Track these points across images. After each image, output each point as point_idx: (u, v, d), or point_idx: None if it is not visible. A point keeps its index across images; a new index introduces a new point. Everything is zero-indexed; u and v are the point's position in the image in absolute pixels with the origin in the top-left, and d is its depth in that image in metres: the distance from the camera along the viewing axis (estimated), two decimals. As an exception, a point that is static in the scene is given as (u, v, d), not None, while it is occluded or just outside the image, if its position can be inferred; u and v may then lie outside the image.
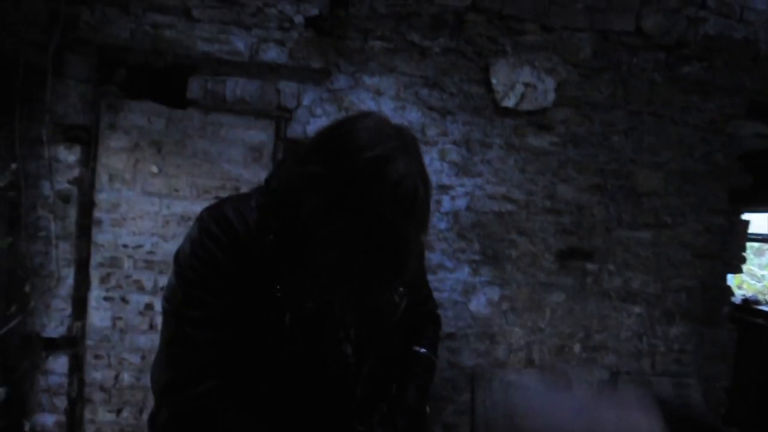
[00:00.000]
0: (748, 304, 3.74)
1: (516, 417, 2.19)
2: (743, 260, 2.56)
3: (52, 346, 2.04)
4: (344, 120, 0.71)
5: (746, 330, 3.41)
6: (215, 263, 0.74)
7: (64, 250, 2.02)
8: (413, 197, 0.63)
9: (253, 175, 2.14)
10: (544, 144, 2.24)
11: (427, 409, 1.05)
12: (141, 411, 2.05)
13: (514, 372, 2.22)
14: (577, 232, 2.29)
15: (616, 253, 2.35)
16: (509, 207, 2.22)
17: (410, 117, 2.13)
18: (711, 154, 2.39)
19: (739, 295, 4.14)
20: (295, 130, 2.11)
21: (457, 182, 2.19)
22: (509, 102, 2.14)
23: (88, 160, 2.06)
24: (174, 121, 2.11)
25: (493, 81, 2.12)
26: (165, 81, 2.05)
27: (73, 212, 2.04)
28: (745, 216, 2.75)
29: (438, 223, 2.18)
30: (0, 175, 1.84)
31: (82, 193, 2.04)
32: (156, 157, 2.10)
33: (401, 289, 0.90)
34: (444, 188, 2.17)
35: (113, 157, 2.06)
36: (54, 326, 2.03)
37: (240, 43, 2.04)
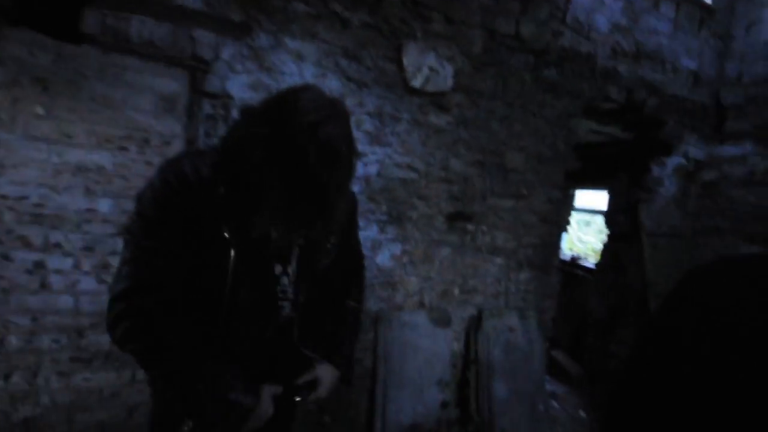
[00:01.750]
0: (574, 260, 5.05)
1: (408, 347, 2.66)
2: (569, 223, 3.44)
3: None
4: (289, 89, 0.90)
5: (572, 279, 4.68)
6: (170, 205, 0.90)
7: None
8: (336, 154, 0.84)
9: (165, 128, 2.03)
10: (442, 123, 2.62)
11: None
12: (35, 375, 1.88)
13: (408, 313, 2.66)
14: (462, 198, 2.78)
15: (488, 217, 2.92)
16: (412, 175, 2.58)
17: (331, 85, 2.27)
18: (556, 142, 3.10)
19: (569, 253, 5.51)
20: (213, 84, 2.07)
21: (369, 150, 2.44)
22: (417, 82, 2.44)
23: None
24: (65, 57, 1.86)
25: (405, 61, 2.38)
26: (56, 11, 1.78)
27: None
28: (574, 191, 3.65)
29: (352, 186, 2.41)
30: None
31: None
32: (42, 96, 1.84)
33: (332, 239, 1.14)
34: (358, 155, 2.40)
35: (-19, 92, 1.75)
36: None
37: (150, -20, 1.89)
